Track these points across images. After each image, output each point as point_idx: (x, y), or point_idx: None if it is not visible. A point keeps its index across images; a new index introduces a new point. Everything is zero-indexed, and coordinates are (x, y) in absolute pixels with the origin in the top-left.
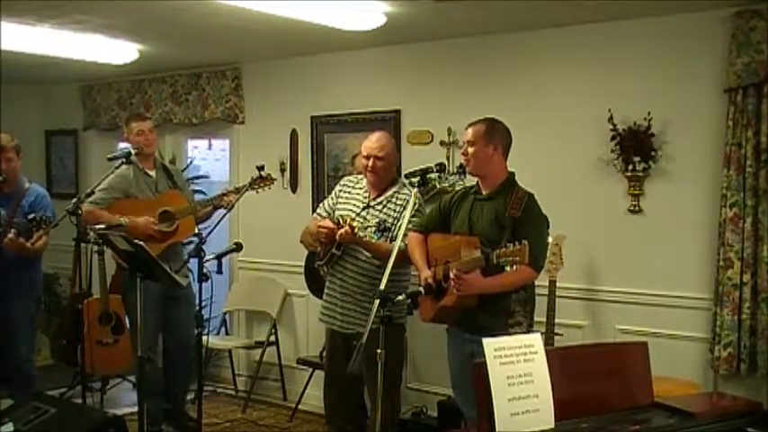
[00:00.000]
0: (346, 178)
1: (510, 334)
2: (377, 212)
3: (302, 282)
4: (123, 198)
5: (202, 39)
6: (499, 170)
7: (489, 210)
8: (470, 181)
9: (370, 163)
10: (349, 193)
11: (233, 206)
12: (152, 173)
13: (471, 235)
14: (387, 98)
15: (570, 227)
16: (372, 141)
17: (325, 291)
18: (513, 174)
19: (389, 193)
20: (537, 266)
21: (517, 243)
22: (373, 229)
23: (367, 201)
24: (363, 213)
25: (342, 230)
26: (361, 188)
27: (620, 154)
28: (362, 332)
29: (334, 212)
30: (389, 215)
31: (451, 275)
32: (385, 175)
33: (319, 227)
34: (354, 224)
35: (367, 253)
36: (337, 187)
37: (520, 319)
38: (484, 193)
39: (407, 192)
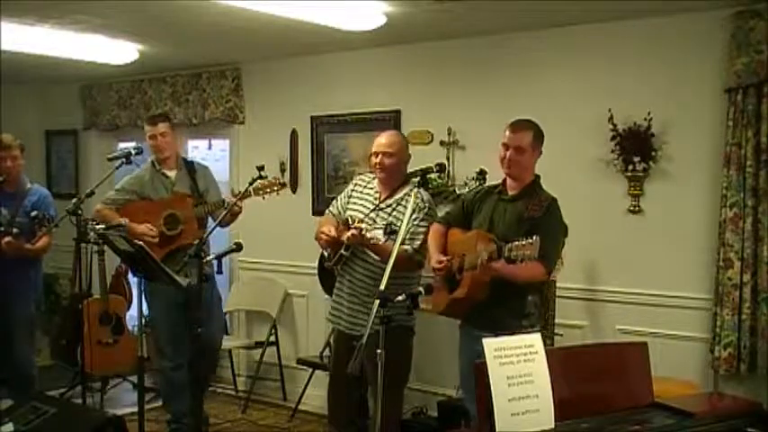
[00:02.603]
0: (360, 176)
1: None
2: (386, 215)
3: (302, 282)
4: (137, 200)
5: (202, 39)
6: (531, 173)
7: (512, 211)
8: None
9: (379, 159)
10: (361, 192)
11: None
12: (171, 174)
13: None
14: (387, 98)
15: (570, 227)
16: (382, 138)
17: (334, 291)
18: (538, 177)
19: (400, 195)
20: (547, 265)
21: (528, 238)
22: (380, 232)
23: (377, 202)
24: (372, 215)
25: (349, 233)
26: (372, 188)
27: (620, 154)
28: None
29: (345, 211)
30: (398, 218)
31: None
32: (395, 173)
33: (321, 233)
34: (362, 225)
35: (375, 255)
36: (350, 185)
37: (534, 321)
38: (509, 193)
39: (419, 195)
